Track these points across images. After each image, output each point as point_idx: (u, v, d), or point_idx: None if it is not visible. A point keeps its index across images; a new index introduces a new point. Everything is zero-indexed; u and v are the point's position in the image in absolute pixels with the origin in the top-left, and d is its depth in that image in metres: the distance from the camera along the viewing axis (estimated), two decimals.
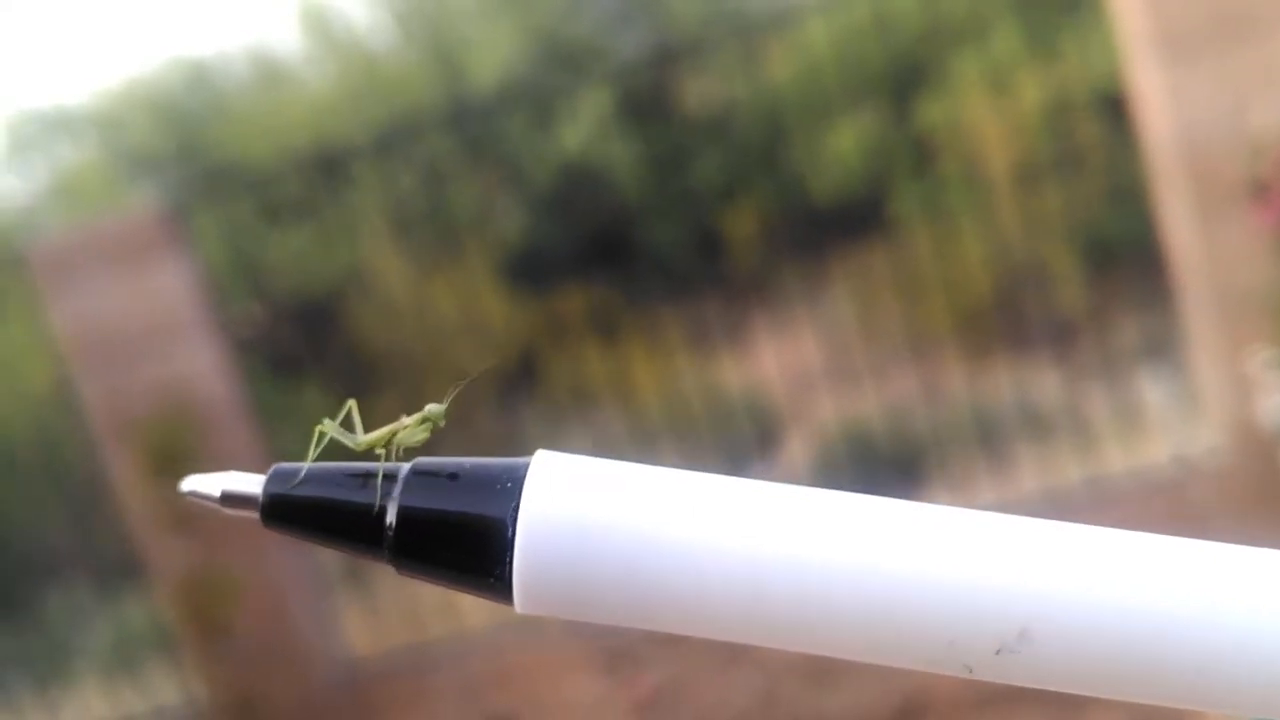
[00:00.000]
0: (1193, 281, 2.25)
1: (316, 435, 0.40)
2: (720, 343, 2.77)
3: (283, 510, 0.35)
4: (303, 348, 3.00)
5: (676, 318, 2.78)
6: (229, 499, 0.36)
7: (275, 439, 2.65)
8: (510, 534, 0.33)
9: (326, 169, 2.84)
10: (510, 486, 0.33)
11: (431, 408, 0.40)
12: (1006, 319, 2.71)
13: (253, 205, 3.07)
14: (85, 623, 3.04)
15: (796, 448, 2.89)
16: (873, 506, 0.33)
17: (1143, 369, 2.61)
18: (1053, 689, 0.32)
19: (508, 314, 2.98)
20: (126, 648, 2.97)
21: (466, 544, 0.34)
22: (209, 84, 4.44)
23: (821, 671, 2.43)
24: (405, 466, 0.35)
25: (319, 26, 4.15)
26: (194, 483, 0.36)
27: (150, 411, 2.51)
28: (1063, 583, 0.31)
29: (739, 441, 2.75)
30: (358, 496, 0.35)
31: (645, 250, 2.99)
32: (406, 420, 0.40)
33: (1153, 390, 2.60)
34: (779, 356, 2.71)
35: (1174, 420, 2.57)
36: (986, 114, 2.64)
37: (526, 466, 0.34)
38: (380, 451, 0.39)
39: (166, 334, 2.59)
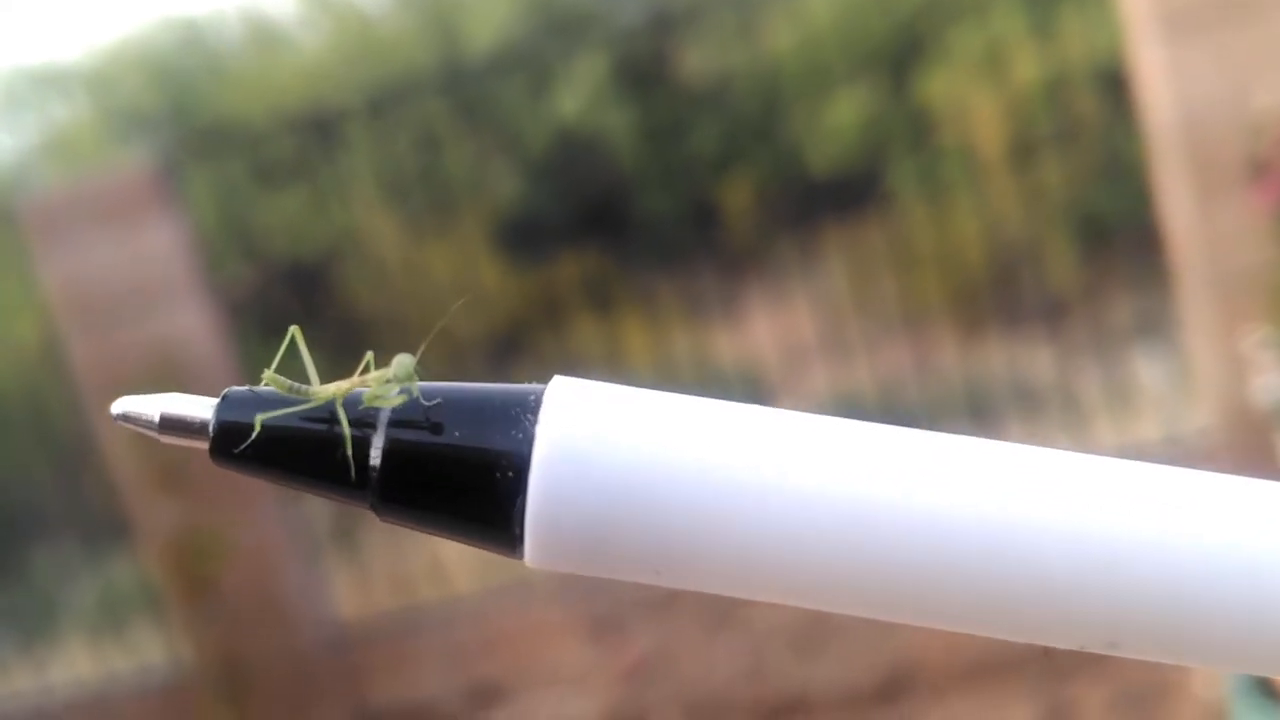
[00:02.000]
0: (1188, 260, 2.25)
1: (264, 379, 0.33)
2: (714, 314, 2.77)
3: (238, 442, 0.29)
4: (294, 310, 2.99)
5: (670, 288, 2.78)
6: (170, 425, 0.30)
7: None
8: (522, 472, 0.28)
9: (320, 131, 2.82)
10: (522, 416, 0.28)
11: (401, 361, 0.32)
12: (1001, 294, 2.70)
13: (245, 166, 3.05)
14: (71, 581, 3.04)
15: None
16: (966, 447, 0.29)
17: (1136, 347, 2.61)
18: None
19: (501, 281, 2.97)
20: (112, 606, 2.97)
21: (467, 484, 0.28)
22: (202, 43, 4.41)
23: (809, 640, 2.43)
24: (390, 406, 0.29)
25: None
26: (128, 404, 0.30)
27: (139, 371, 2.50)
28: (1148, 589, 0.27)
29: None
30: (333, 428, 0.29)
31: (640, 219, 2.98)
32: (371, 376, 0.32)
33: (1146, 368, 2.60)
34: (772, 328, 2.71)
35: (1167, 399, 2.57)
36: (985, 89, 2.63)
37: (541, 393, 0.29)
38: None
39: (157, 293, 2.58)
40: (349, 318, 3.01)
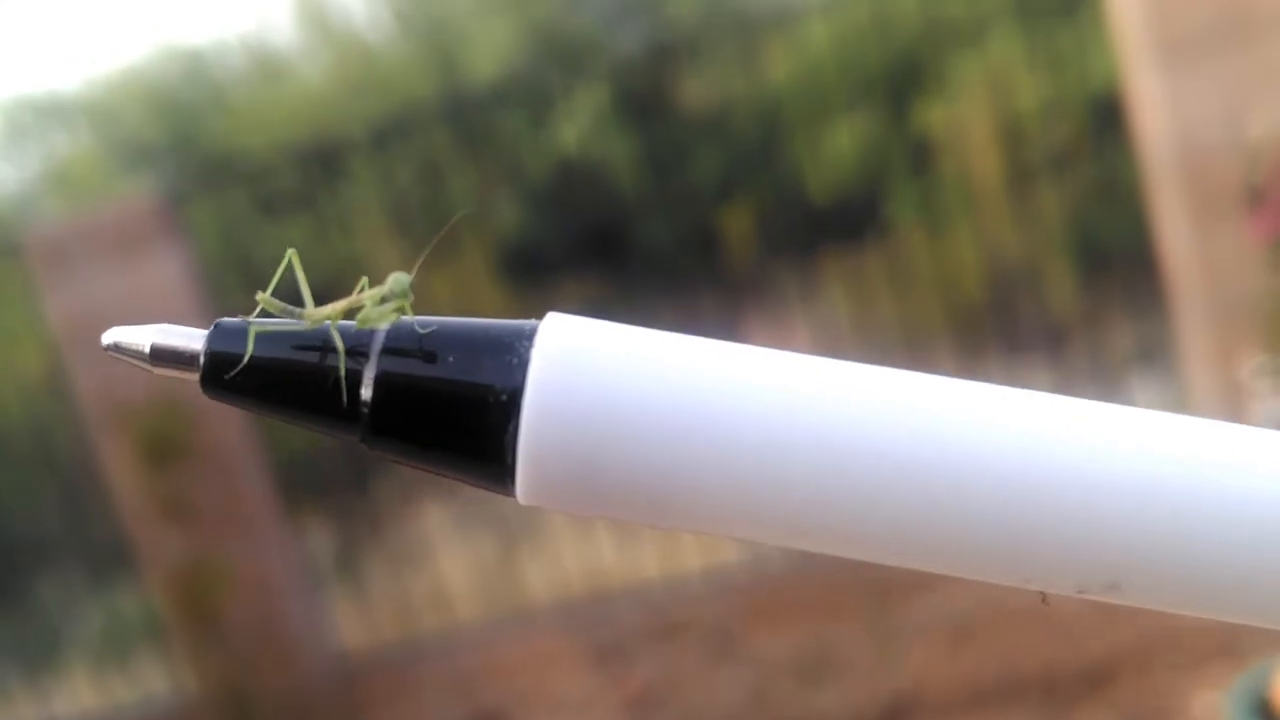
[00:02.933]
0: (1186, 287, 2.26)
1: (258, 310, 0.32)
2: (714, 340, 2.77)
3: (230, 372, 0.29)
4: None
5: (671, 315, 2.78)
6: (161, 355, 0.29)
7: (269, 431, 2.65)
8: (516, 404, 0.27)
9: (323, 161, 2.83)
10: (516, 350, 0.28)
11: (397, 278, 0.31)
12: (999, 321, 2.71)
13: (248, 197, 3.06)
14: (76, 611, 3.04)
15: None
16: (967, 389, 0.28)
17: (1134, 374, 2.62)
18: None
19: (503, 309, 2.98)
20: (117, 637, 2.97)
21: (460, 415, 0.28)
22: (205, 74, 4.43)
23: (811, 668, 2.43)
24: (382, 328, 0.29)
25: (315, 18, 4.14)
26: (118, 335, 0.30)
27: (143, 401, 2.51)
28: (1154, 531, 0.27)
29: None
30: (325, 358, 0.29)
31: (641, 247, 2.99)
32: (365, 295, 0.31)
33: (1144, 395, 2.61)
34: None
35: None
36: (983, 116, 2.64)
37: (535, 328, 0.29)
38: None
39: (160, 324, 2.58)
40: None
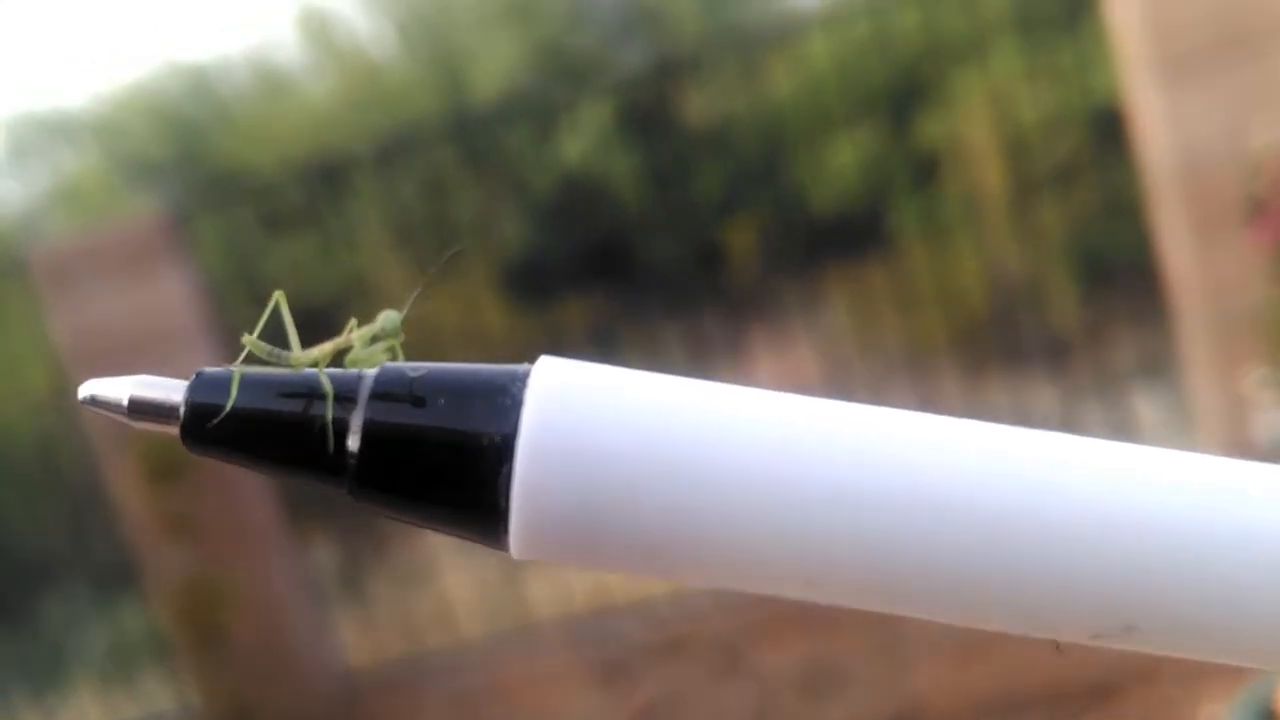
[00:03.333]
0: (1188, 300, 2.26)
1: (244, 353, 0.31)
2: (718, 356, 2.78)
3: (211, 424, 0.27)
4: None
5: (675, 330, 2.79)
6: (140, 408, 0.28)
7: None
8: (509, 452, 0.26)
9: (327, 178, 2.84)
10: (509, 397, 0.27)
11: (388, 316, 0.30)
12: (1003, 335, 2.71)
13: (253, 213, 3.07)
14: (81, 629, 3.04)
15: None
16: (974, 430, 0.27)
17: (1138, 386, 2.62)
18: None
19: (507, 325, 2.98)
20: (122, 655, 2.97)
21: (450, 468, 0.26)
22: (210, 91, 4.44)
23: (815, 683, 2.43)
24: (369, 373, 0.28)
25: (320, 34, 4.16)
26: (95, 387, 0.29)
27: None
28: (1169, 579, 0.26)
29: None
30: (309, 408, 0.27)
31: (644, 262, 3.00)
32: (355, 334, 0.30)
33: (1147, 408, 2.61)
34: (776, 369, 2.72)
35: (1168, 438, 2.57)
36: (985, 131, 2.65)
37: (528, 372, 0.27)
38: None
39: (166, 341, 2.59)
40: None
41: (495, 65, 3.52)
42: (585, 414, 0.26)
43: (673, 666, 2.51)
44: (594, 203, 3.11)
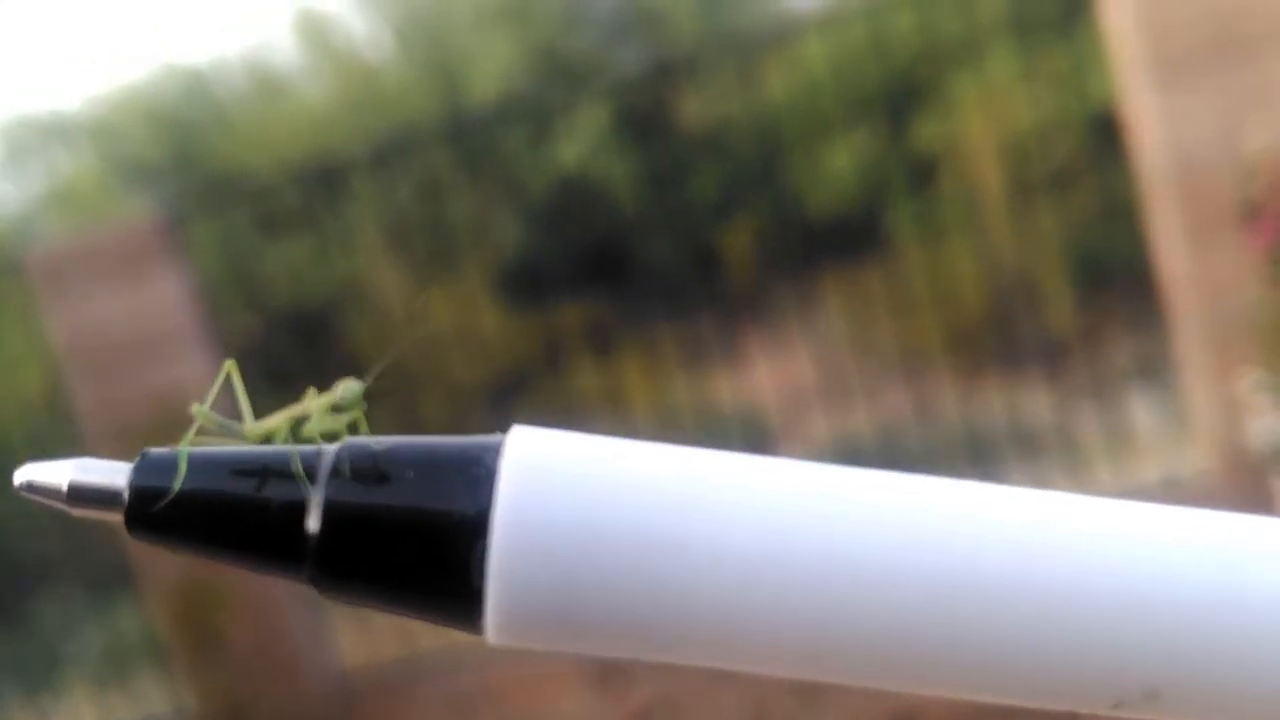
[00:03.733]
0: (1184, 303, 2.26)
1: (194, 426, 0.28)
2: (715, 359, 2.78)
3: (157, 511, 0.25)
4: (298, 360, 3.00)
5: (671, 334, 2.79)
6: (80, 495, 0.26)
7: None
8: (484, 530, 0.24)
9: (323, 180, 2.84)
10: (482, 469, 0.25)
11: (348, 386, 0.29)
12: (999, 338, 2.71)
13: (249, 216, 3.07)
14: (76, 631, 3.04)
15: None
16: (983, 492, 0.26)
17: (1133, 390, 2.62)
18: None
19: (503, 328, 2.98)
20: (117, 656, 2.96)
21: (421, 549, 0.25)
22: (206, 93, 4.44)
23: (811, 687, 2.43)
24: (330, 449, 0.26)
25: (317, 37, 4.16)
26: (31, 473, 0.27)
27: (144, 420, 2.51)
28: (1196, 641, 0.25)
29: None
30: (263, 490, 0.25)
31: (641, 265, 2.99)
32: (313, 403, 0.28)
33: (1143, 411, 2.61)
34: (773, 373, 2.72)
35: (1164, 441, 2.57)
36: (981, 134, 2.65)
37: (500, 443, 0.25)
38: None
39: (161, 343, 2.59)
40: (353, 366, 3.02)
41: (492, 68, 3.52)
42: (566, 486, 0.25)
43: (669, 669, 2.50)
44: (590, 205, 3.11)
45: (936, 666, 0.25)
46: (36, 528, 2.99)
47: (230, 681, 2.55)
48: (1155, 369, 2.57)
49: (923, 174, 2.81)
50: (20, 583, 3.03)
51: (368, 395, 0.29)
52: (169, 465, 0.26)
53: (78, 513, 0.26)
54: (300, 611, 2.69)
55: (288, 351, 3.03)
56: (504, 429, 0.26)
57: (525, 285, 3.06)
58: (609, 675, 2.52)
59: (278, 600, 2.63)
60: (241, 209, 3.02)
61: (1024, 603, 0.25)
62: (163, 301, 2.60)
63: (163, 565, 2.54)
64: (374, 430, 0.28)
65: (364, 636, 2.81)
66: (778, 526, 0.25)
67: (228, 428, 0.29)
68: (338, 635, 2.80)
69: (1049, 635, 0.25)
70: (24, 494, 0.27)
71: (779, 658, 0.26)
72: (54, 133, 4.71)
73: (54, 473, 0.26)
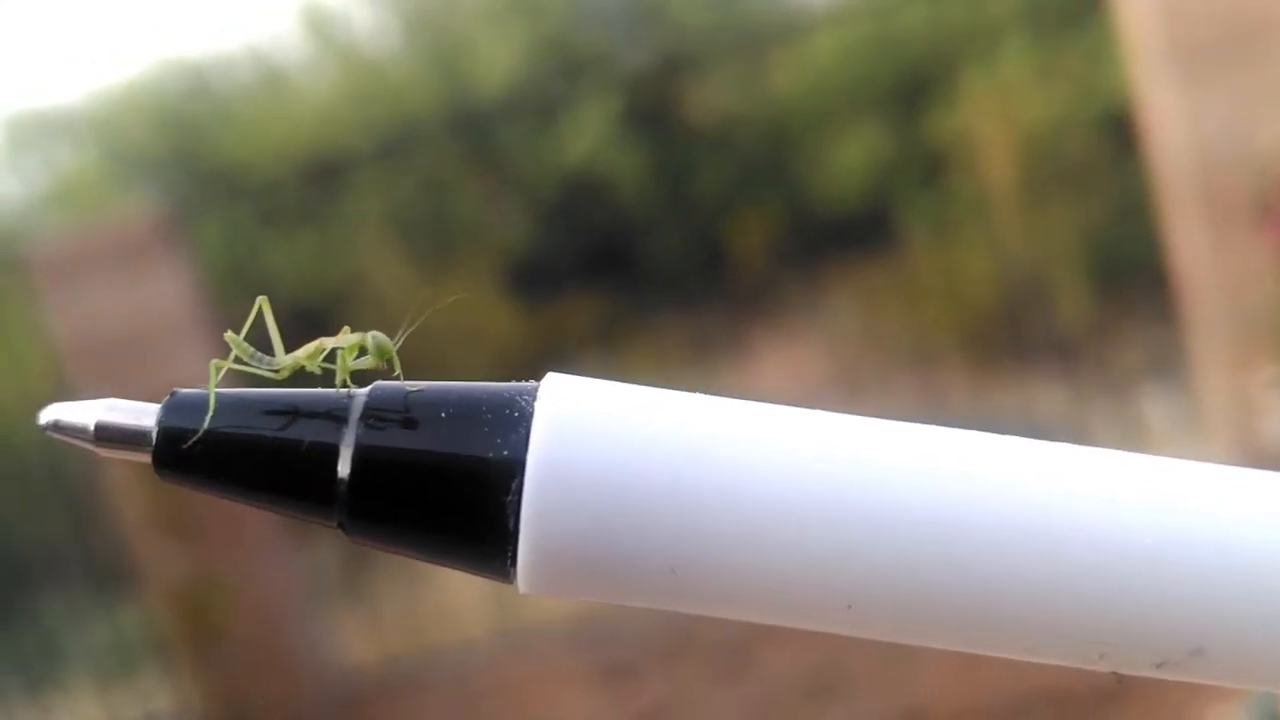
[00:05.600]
0: (1199, 299, 2.24)
1: (212, 370, 0.27)
2: (722, 354, 2.76)
3: (186, 451, 0.25)
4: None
5: (679, 328, 2.77)
6: (108, 434, 0.26)
7: None
8: (519, 477, 0.24)
9: (327, 175, 2.82)
10: (516, 412, 0.24)
11: (377, 336, 0.28)
12: (1011, 333, 2.70)
13: (252, 210, 3.05)
14: (79, 627, 3.02)
15: None
16: (1015, 445, 0.25)
17: (1147, 386, 2.60)
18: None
19: (509, 323, 2.97)
20: (120, 653, 2.95)
21: (453, 493, 0.24)
22: (208, 87, 4.42)
23: (821, 685, 2.41)
24: (361, 392, 0.25)
25: (320, 30, 4.14)
26: (59, 412, 0.27)
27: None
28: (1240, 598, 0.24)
29: None
30: (293, 432, 0.25)
31: (648, 260, 2.98)
32: (345, 339, 0.28)
33: (1157, 408, 2.59)
34: (781, 368, 2.70)
35: (1178, 438, 2.56)
36: (994, 128, 2.63)
37: (535, 389, 0.25)
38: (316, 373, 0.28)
39: (164, 339, 2.57)
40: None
41: (498, 61, 3.50)
42: (601, 431, 0.24)
43: (677, 667, 2.49)
44: (598, 200, 3.10)
45: (975, 622, 0.24)
46: (39, 523, 2.98)
47: (233, 678, 2.54)
48: (1169, 365, 2.56)
49: (934, 168, 2.80)
50: (23, 579, 3.02)
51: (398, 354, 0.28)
52: (198, 405, 0.25)
53: (105, 453, 0.26)
54: (303, 608, 2.68)
55: (292, 346, 3.01)
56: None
57: (532, 279, 3.05)
58: (616, 674, 2.51)
59: (280, 597, 2.62)
60: (245, 203, 3.01)
61: (1065, 559, 0.24)
62: (166, 297, 2.58)
63: (166, 562, 2.53)
64: None
65: (369, 633, 2.79)
66: (817, 476, 0.24)
67: (258, 359, 0.29)
68: (343, 632, 2.79)
69: (1091, 593, 0.24)
70: (50, 434, 0.26)
71: (814, 610, 0.25)
72: (56, 127, 4.70)
73: (81, 413, 0.26)
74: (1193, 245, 2.21)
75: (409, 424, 0.24)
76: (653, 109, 3.07)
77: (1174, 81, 2.15)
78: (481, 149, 2.94)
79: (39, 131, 4.69)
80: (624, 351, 2.82)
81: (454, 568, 0.25)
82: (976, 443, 0.25)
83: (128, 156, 4.42)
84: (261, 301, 0.31)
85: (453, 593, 2.72)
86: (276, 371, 0.29)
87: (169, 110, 4.42)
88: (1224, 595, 0.24)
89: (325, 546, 2.87)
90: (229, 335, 0.29)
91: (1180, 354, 2.44)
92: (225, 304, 2.78)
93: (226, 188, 3.36)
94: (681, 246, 2.96)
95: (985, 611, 0.24)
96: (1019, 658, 0.25)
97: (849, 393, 2.63)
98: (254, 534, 2.57)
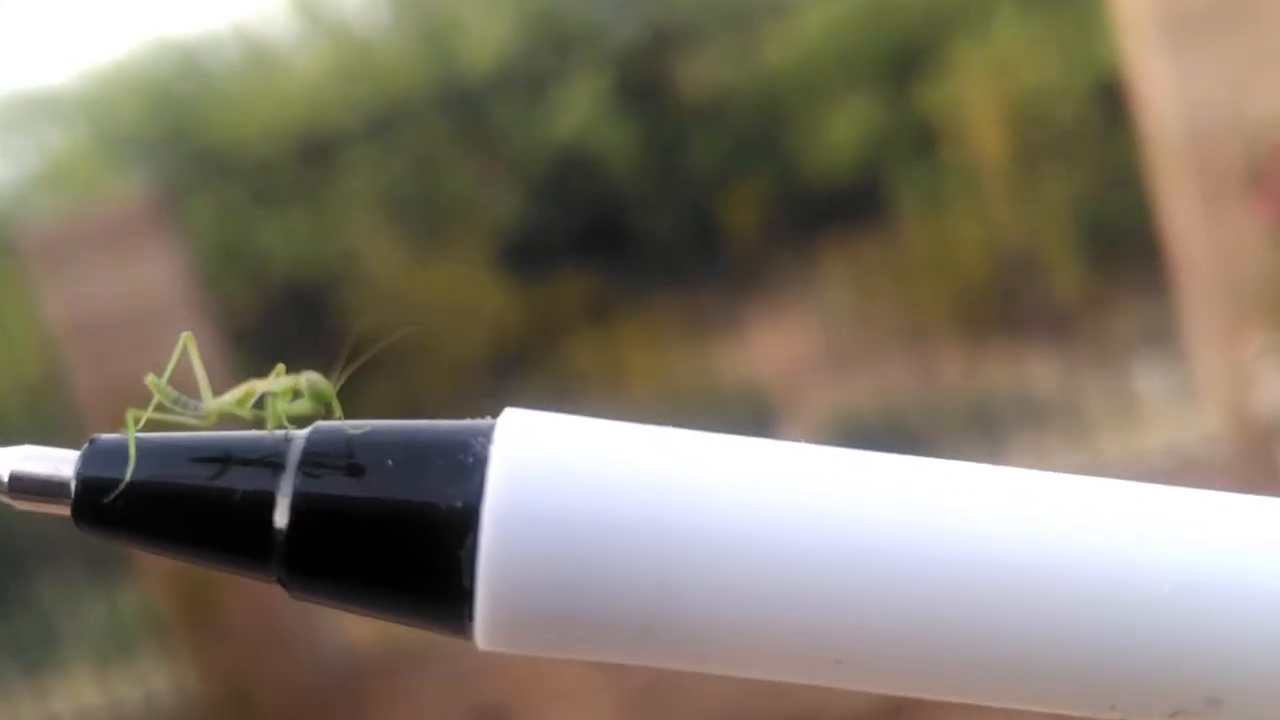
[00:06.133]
0: (1192, 270, 2.24)
1: (129, 419, 0.25)
2: (715, 330, 2.76)
3: (107, 503, 0.23)
4: (295, 334, 2.98)
5: (672, 304, 2.77)
6: (23, 485, 0.24)
7: None
8: (474, 525, 0.22)
9: (318, 153, 2.81)
10: (470, 455, 0.22)
11: (312, 378, 0.26)
12: (1003, 306, 2.70)
13: (243, 190, 3.04)
14: (76, 610, 3.02)
15: (791, 436, 2.89)
16: (1019, 478, 0.24)
17: (1140, 357, 2.60)
18: None
19: (501, 301, 2.96)
20: (117, 635, 2.95)
21: (402, 546, 0.22)
22: (198, 67, 4.40)
23: None
24: (299, 434, 0.23)
25: (309, 8, 4.12)
26: None
27: (141, 398, 2.49)
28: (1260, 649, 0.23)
29: (733, 430, 2.74)
30: (226, 480, 0.23)
31: (640, 236, 2.97)
32: (276, 381, 0.26)
33: (1150, 379, 2.59)
34: (775, 344, 2.70)
35: (1171, 409, 2.56)
36: (985, 100, 2.62)
37: (491, 427, 0.23)
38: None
39: (157, 320, 2.57)
40: (349, 339, 3.00)
41: (487, 36, 3.48)
42: (563, 474, 0.22)
43: None
44: (589, 176, 3.09)
45: (976, 675, 0.23)
46: None
47: (230, 660, 2.55)
48: (1162, 336, 2.56)
49: (925, 141, 2.79)
50: (19, 562, 3.02)
51: (338, 390, 0.26)
52: (120, 452, 0.23)
53: (21, 506, 0.24)
54: None
55: (284, 325, 3.01)
56: (498, 409, 0.24)
57: (523, 257, 3.04)
58: None
59: None
60: (236, 183, 3.00)
61: (1074, 606, 0.22)
62: (158, 277, 2.58)
63: None
64: (366, 411, 0.25)
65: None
66: (801, 518, 0.22)
67: (183, 402, 0.27)
68: (340, 613, 2.79)
69: (1102, 642, 0.23)
70: None
71: (801, 665, 0.23)
72: (45, 108, 4.68)
73: None
74: (1185, 215, 2.21)
75: (353, 470, 0.23)
76: (644, 84, 3.06)
77: (1165, 51, 2.14)
78: (472, 126, 2.93)
79: (28, 112, 4.67)
80: (617, 327, 2.82)
81: (405, 624, 0.24)
82: (977, 478, 0.24)
83: (118, 137, 4.41)
84: (186, 338, 0.29)
85: None
86: (203, 418, 0.27)
87: (159, 90, 4.40)
88: (1243, 644, 0.23)
89: None
90: (150, 378, 0.27)
91: (1173, 325, 2.44)
92: (217, 284, 2.77)
93: (217, 167, 3.35)
94: (673, 221, 2.95)
95: (986, 663, 0.23)
96: (1023, 707, 0.24)
97: (841, 367, 2.63)
98: None
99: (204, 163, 3.55)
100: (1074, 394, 2.59)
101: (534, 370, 2.96)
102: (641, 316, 2.82)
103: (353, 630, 2.77)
